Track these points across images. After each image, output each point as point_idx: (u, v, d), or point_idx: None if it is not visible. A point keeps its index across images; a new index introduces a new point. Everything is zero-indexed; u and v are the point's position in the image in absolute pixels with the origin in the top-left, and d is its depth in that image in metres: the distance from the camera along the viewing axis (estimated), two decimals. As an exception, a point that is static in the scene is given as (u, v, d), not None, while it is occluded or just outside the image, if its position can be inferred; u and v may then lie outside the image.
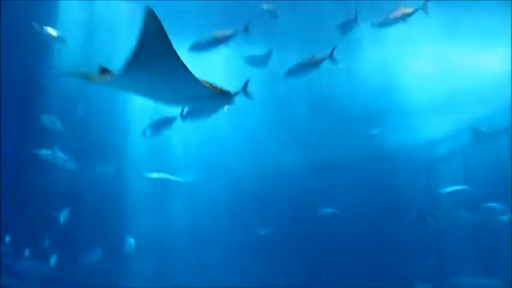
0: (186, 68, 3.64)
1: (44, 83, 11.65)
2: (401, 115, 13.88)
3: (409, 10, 8.90)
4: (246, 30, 8.58)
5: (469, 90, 13.09)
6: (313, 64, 8.59)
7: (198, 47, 8.75)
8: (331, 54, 8.34)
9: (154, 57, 3.51)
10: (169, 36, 3.39)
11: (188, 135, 12.80)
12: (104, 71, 4.09)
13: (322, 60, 8.44)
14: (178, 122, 8.51)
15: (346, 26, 9.45)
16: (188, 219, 13.35)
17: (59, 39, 9.96)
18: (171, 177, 11.76)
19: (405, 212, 12.86)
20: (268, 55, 10.62)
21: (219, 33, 8.65)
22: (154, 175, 11.61)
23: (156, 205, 13.33)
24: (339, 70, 12.78)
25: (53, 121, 10.51)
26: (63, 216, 10.28)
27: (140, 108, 12.22)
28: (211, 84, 4.07)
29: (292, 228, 13.31)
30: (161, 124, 9.00)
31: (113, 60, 11.82)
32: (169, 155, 13.53)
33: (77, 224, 11.07)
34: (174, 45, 3.48)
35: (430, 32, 12.17)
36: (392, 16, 9.05)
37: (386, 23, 9.12)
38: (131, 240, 12.05)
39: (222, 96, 4.14)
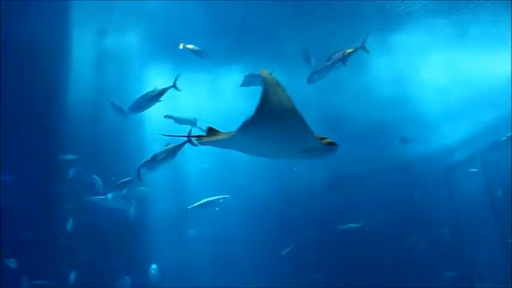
0: (306, 124, 3.65)
1: (58, 120, 11.88)
2: (416, 125, 13.81)
3: (350, 50, 8.49)
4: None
5: (483, 95, 13.01)
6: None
7: None
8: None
9: (277, 115, 3.54)
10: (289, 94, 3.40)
11: (206, 156, 12.89)
12: (211, 130, 4.19)
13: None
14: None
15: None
16: (213, 241, 13.37)
17: (126, 112, 10.36)
18: (213, 199, 11.53)
19: (426, 222, 12.74)
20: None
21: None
22: (198, 204, 11.41)
23: (179, 230, 13.38)
24: (351, 83, 12.92)
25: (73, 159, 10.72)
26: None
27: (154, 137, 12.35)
28: (319, 136, 4.08)
29: (316, 243, 13.26)
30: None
31: (124, 93, 12.11)
32: (189, 178, 13.62)
33: (104, 254, 11.19)
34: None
35: (440, 41, 12.18)
36: (332, 59, 8.57)
37: (327, 68, 8.59)
38: (154, 267, 12.08)
39: (330, 147, 4.13)
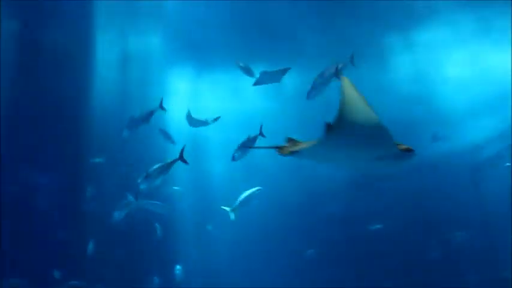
0: (387, 129, 3.70)
1: (85, 123, 12.12)
2: (441, 123, 13.57)
3: (339, 65, 8.34)
4: None
5: (507, 90, 12.70)
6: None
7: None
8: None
9: (358, 122, 3.60)
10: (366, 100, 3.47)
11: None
12: (291, 141, 4.28)
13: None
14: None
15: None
16: (237, 242, 13.43)
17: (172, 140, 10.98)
18: (249, 194, 11.47)
19: (455, 223, 12.51)
20: (283, 71, 10.32)
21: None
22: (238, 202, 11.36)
23: (204, 231, 13.48)
24: (373, 82, 12.80)
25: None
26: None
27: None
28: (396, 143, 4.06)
29: (342, 245, 13.16)
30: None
31: (147, 95, 12.27)
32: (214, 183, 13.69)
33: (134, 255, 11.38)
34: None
35: (463, 36, 11.97)
36: (325, 74, 8.47)
37: (323, 83, 8.51)
38: (179, 267, 12.20)
39: (408, 154, 4.11)
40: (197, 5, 11.25)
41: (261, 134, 8.45)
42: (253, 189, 10.99)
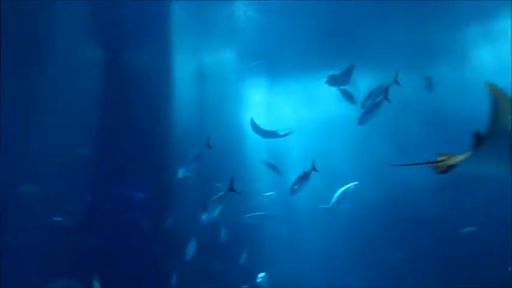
0: None
1: (167, 138, 12.67)
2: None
3: (386, 85, 8.47)
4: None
5: None
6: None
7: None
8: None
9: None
10: None
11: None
12: (441, 155, 4.17)
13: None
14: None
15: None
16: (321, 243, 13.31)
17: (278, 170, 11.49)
18: (345, 189, 11.38)
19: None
20: (349, 72, 10.13)
21: None
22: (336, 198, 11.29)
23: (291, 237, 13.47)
24: (453, 78, 12.24)
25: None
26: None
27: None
28: None
29: (430, 248, 12.60)
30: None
31: (224, 108, 12.56)
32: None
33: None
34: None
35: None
36: (374, 96, 8.61)
37: (375, 107, 8.57)
38: (263, 275, 12.24)
39: None
40: (269, 16, 11.45)
41: (313, 168, 8.82)
42: (350, 185, 10.85)
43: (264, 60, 11.88)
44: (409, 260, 12.49)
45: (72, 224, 10.60)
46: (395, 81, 8.42)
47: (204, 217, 9.02)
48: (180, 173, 10.60)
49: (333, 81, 10.11)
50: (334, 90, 10.52)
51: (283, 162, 12.69)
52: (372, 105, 8.50)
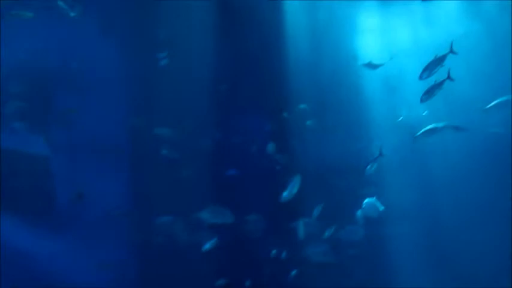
0: None
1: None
2: None
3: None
4: None
5: None
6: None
7: None
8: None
9: None
10: None
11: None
12: None
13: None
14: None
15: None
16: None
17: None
18: None
19: None
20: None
21: None
22: None
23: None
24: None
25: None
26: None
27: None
28: None
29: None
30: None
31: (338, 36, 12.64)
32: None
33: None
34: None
35: None
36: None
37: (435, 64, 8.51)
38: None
39: None
40: None
41: (448, 77, 8.33)
42: None
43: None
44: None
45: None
46: (452, 50, 8.37)
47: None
48: None
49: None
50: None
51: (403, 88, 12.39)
52: (433, 63, 8.51)
